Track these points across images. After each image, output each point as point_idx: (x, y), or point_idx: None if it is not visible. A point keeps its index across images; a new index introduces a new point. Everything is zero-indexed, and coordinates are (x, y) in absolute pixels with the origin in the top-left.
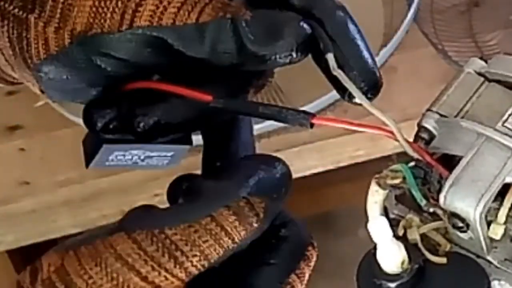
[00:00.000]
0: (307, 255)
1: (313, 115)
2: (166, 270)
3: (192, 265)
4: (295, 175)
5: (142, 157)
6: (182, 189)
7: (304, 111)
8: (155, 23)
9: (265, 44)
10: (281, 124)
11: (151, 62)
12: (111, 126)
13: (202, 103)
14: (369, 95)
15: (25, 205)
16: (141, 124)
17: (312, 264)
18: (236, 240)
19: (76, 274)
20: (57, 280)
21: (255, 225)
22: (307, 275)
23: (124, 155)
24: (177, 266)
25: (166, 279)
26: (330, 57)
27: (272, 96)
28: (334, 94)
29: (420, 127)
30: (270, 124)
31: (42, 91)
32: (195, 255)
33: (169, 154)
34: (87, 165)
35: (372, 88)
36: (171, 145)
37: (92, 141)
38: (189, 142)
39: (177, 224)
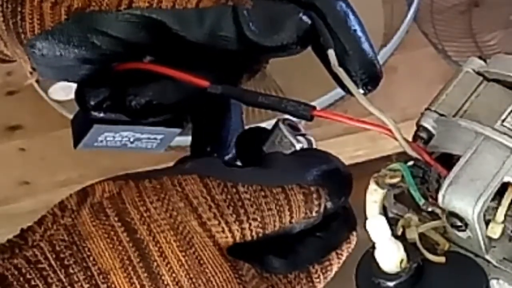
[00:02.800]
0: (350, 239)
1: (313, 107)
2: (226, 223)
3: (249, 228)
4: None
5: (131, 139)
6: (251, 145)
7: (304, 103)
8: (154, 5)
9: (265, 35)
10: None
11: (146, 43)
12: (104, 106)
13: (195, 87)
14: (369, 87)
15: (25, 205)
16: (133, 103)
17: (351, 249)
18: (294, 220)
19: (133, 205)
20: (109, 206)
21: (315, 214)
22: (344, 258)
23: (113, 137)
24: (237, 223)
25: (223, 231)
26: (331, 53)
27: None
28: (334, 94)
29: (419, 126)
30: (270, 124)
31: (33, 68)
32: (256, 219)
33: (159, 137)
34: (75, 145)
35: (372, 80)
36: (161, 128)
37: (82, 121)
38: (180, 125)
39: (251, 183)
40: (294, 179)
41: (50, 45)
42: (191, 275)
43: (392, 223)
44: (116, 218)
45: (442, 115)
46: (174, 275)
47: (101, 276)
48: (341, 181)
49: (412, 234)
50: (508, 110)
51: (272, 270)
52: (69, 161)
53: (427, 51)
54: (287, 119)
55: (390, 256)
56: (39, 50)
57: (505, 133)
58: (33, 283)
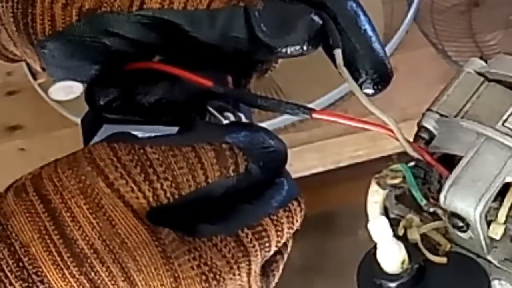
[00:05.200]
0: (289, 207)
1: (312, 110)
2: (134, 182)
3: (162, 188)
4: (295, 175)
5: None
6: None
7: (303, 106)
8: (166, 6)
9: (277, 36)
10: (280, 124)
11: (157, 43)
12: (114, 105)
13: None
14: (380, 86)
15: None
16: (143, 102)
17: (294, 219)
18: (210, 180)
19: (48, 178)
20: (29, 184)
21: (231, 173)
22: (285, 227)
23: None
24: (146, 183)
25: (132, 191)
26: (337, 53)
27: (272, 96)
28: (334, 94)
29: (420, 127)
30: (269, 124)
31: (43, 69)
32: (167, 179)
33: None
34: (85, 145)
35: (383, 79)
36: (171, 127)
37: (92, 121)
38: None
39: (159, 145)
40: (205, 139)
41: (61, 46)
42: (104, 237)
43: (394, 223)
44: (34, 193)
45: (443, 115)
46: (87, 238)
47: (22, 250)
48: (265, 146)
49: (414, 235)
50: (510, 111)
51: (195, 235)
52: None
53: (427, 51)
54: (216, 100)
55: (391, 256)
56: (49, 50)
57: (506, 134)
58: None
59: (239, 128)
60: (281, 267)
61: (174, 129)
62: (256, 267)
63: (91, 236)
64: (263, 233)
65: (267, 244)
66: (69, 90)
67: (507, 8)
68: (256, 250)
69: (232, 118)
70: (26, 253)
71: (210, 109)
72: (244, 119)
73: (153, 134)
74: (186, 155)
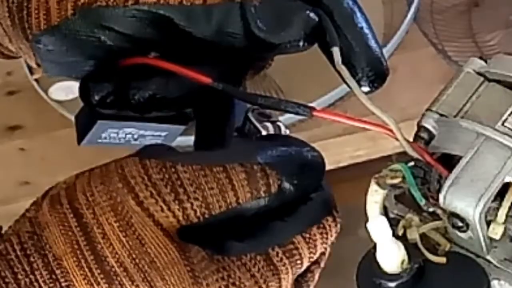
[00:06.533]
0: (323, 223)
1: (313, 108)
2: (164, 201)
3: (192, 208)
4: None
5: (135, 136)
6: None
7: (304, 104)
8: (162, 0)
9: (273, 32)
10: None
11: (153, 39)
12: (108, 101)
13: (196, 82)
14: (375, 84)
15: (25, 205)
16: (137, 97)
17: (328, 235)
18: (240, 200)
19: (82, 191)
20: (64, 195)
21: (262, 194)
22: (318, 243)
23: (117, 133)
24: (176, 202)
25: (162, 210)
26: (335, 51)
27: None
28: (334, 94)
29: (420, 127)
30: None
31: (38, 64)
32: (197, 199)
33: (163, 134)
34: (79, 141)
35: (379, 77)
36: (165, 125)
37: (86, 117)
38: (184, 122)
39: (190, 163)
40: (236, 158)
41: (56, 41)
42: (134, 256)
43: (393, 223)
44: (68, 206)
45: (443, 115)
46: (117, 256)
47: (55, 262)
48: (300, 162)
49: (413, 235)
50: (509, 111)
51: (225, 253)
52: (69, 161)
53: (427, 51)
54: (256, 108)
55: (391, 256)
56: (44, 45)
57: (506, 134)
58: (2, 274)
59: (273, 145)
60: (317, 276)
61: (168, 127)
62: (287, 284)
63: (121, 254)
64: (294, 251)
65: (298, 262)
66: (69, 90)
67: (507, 8)
68: (286, 269)
69: (271, 129)
70: (58, 266)
71: (251, 117)
72: (283, 128)
73: (183, 149)
74: (217, 175)
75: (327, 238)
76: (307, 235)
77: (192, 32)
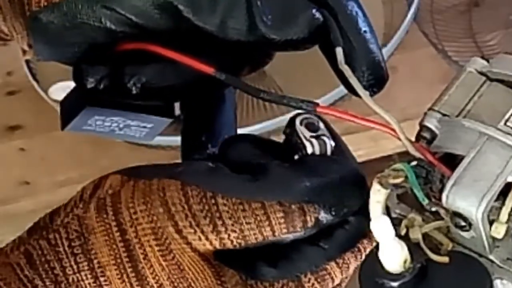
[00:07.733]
0: (359, 247)
1: (316, 104)
2: (202, 232)
3: (228, 239)
4: None
5: (121, 125)
6: (250, 153)
7: (307, 100)
8: None
9: (277, 28)
10: (282, 124)
11: (154, 26)
12: (101, 85)
13: (193, 72)
14: (374, 89)
15: (25, 205)
16: (131, 82)
17: (362, 255)
18: (277, 234)
19: (126, 206)
20: (109, 204)
21: (299, 230)
22: (352, 266)
23: (103, 121)
24: (214, 233)
25: (200, 239)
26: (339, 51)
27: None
28: (334, 95)
29: (422, 126)
30: (270, 124)
31: (30, 45)
32: (234, 231)
33: (149, 125)
34: (63, 127)
35: (378, 81)
36: (154, 116)
37: (74, 102)
38: (171, 115)
39: (231, 196)
40: (276, 196)
41: (55, 19)
42: (172, 280)
43: (396, 223)
44: (113, 217)
45: (445, 115)
46: (157, 278)
47: (100, 270)
48: (340, 193)
49: (416, 234)
50: None
51: (258, 277)
52: (69, 161)
53: (427, 51)
54: (304, 116)
55: (393, 256)
56: (41, 23)
57: (508, 133)
58: (51, 265)
59: (314, 175)
60: (344, 285)
61: (155, 119)
62: None
63: (161, 276)
64: (327, 277)
65: (329, 285)
66: (69, 90)
67: (507, 8)
68: None
69: (316, 147)
70: (102, 273)
71: (297, 128)
72: (328, 142)
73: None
74: (255, 211)
75: (360, 259)
76: (341, 261)
77: (195, 22)
